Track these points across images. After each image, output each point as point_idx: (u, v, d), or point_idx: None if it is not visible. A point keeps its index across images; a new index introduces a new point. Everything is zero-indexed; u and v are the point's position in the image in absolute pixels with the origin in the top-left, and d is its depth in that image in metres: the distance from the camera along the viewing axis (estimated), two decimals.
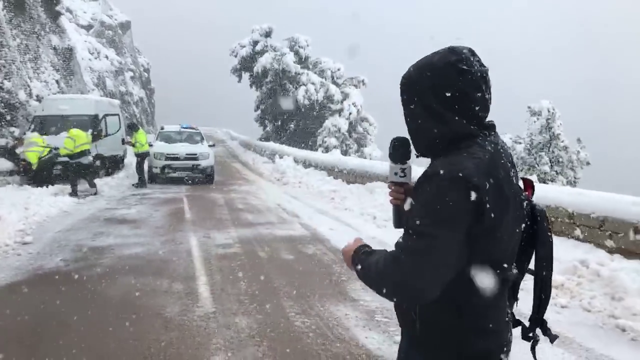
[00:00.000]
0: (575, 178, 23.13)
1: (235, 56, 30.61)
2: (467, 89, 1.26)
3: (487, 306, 1.28)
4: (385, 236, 7.54)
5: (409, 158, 1.45)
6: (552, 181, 22.51)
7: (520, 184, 1.45)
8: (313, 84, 28.14)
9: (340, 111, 28.66)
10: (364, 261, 1.35)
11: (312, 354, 3.50)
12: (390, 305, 4.49)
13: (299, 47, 29.97)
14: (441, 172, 1.22)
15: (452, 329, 1.28)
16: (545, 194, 6.26)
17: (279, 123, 30.54)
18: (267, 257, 6.24)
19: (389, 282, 1.24)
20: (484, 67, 1.30)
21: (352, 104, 29.02)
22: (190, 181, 14.58)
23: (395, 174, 1.46)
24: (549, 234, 1.40)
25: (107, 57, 31.59)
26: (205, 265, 5.77)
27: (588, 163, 23.15)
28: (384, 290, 1.26)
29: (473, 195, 1.18)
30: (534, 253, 1.40)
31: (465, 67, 1.26)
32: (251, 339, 3.72)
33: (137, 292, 4.77)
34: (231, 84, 32.67)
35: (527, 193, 1.44)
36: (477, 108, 1.28)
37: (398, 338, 3.85)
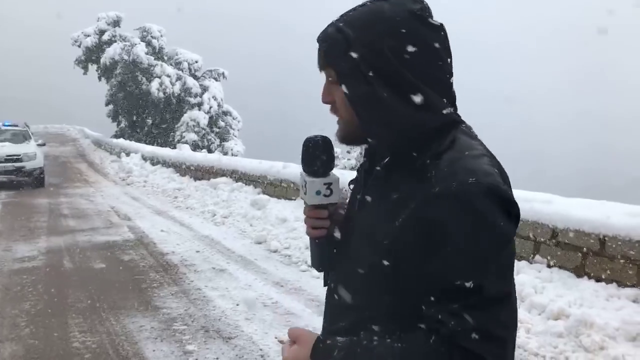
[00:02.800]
0: None
1: (79, 46, 27.86)
2: (440, 50, 0.88)
3: None
4: (220, 235, 7.27)
5: (332, 167, 1.02)
6: None
7: None
8: (168, 76, 26.68)
9: (199, 105, 27.62)
10: None
11: None
12: (193, 310, 4.19)
13: (152, 37, 28.21)
14: (471, 184, 0.80)
15: None
16: None
17: (134, 118, 28.57)
18: (73, 268, 5.58)
19: None
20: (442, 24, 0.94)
21: (212, 97, 28.13)
22: (21, 187, 12.86)
23: (318, 192, 0.98)
24: None
25: None
26: None
27: None
28: None
29: (511, 212, 0.83)
30: None
31: (432, 21, 0.89)
32: None
33: None
34: (81, 77, 29.77)
35: None
36: (451, 80, 0.91)
37: (189, 347, 3.62)
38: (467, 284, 0.79)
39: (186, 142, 25.30)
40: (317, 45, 0.95)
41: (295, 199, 8.24)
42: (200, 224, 8.11)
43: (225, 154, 25.03)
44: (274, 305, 4.41)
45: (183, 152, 13.69)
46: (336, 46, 0.90)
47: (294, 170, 8.68)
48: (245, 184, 9.79)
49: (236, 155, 24.67)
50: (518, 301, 3.92)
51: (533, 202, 4.54)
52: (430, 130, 0.87)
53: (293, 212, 7.55)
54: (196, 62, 29.12)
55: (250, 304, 4.31)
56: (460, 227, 0.80)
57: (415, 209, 0.83)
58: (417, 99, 0.86)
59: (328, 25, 0.94)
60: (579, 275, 4.07)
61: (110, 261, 5.86)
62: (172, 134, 27.85)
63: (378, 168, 0.94)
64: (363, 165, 1.04)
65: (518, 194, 4.87)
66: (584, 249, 4.05)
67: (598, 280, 3.95)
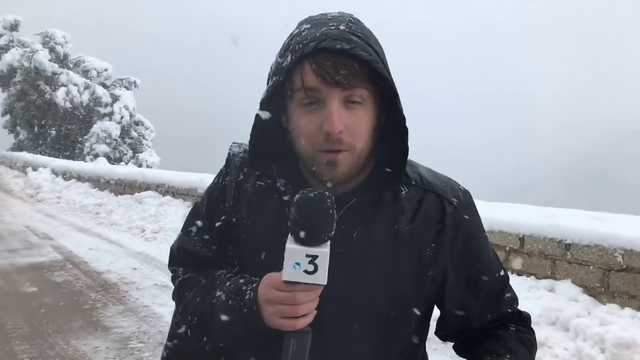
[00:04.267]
0: None
1: None
2: None
3: None
4: (154, 250, 7.14)
5: (330, 234, 0.76)
6: None
7: None
8: (75, 85, 25.21)
9: (110, 115, 26.36)
10: None
11: None
12: (146, 328, 4.19)
13: (56, 43, 26.47)
14: (464, 191, 0.96)
15: None
16: None
17: (36, 129, 26.59)
18: (1, 293, 5.24)
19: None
20: None
21: (124, 107, 26.97)
22: None
23: (297, 265, 0.74)
24: None
25: None
26: None
27: None
28: None
29: None
30: None
31: None
32: None
33: None
34: None
35: None
36: None
37: None
38: (502, 273, 0.97)
39: (97, 154, 24.04)
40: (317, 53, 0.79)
41: None
42: (129, 240, 7.90)
43: (140, 165, 24.12)
44: None
45: (102, 166, 13.09)
46: (379, 62, 0.81)
47: None
48: (174, 198, 9.63)
49: (151, 167, 23.85)
50: None
51: None
52: None
53: None
54: (105, 70, 27.80)
55: None
56: (481, 228, 0.97)
57: (447, 229, 0.90)
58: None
59: (347, 33, 0.80)
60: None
61: (42, 284, 5.57)
62: (79, 145, 26.30)
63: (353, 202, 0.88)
64: (277, 207, 0.90)
65: None
66: (507, 247, 4.60)
67: (519, 274, 4.51)
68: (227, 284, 0.90)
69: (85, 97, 25.87)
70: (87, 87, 26.13)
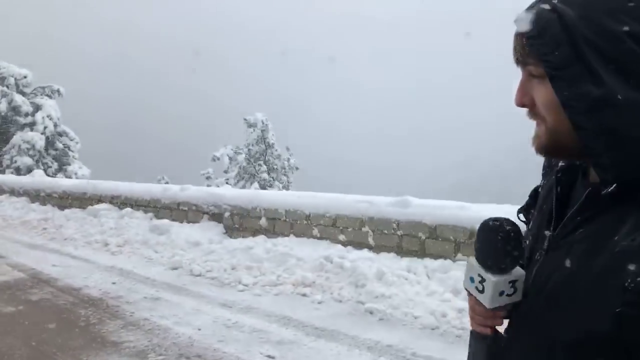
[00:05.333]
0: (288, 182, 26.08)
1: None
2: None
3: None
4: (126, 264, 6.85)
5: (501, 266, 0.81)
6: (270, 187, 24.68)
7: None
8: None
9: (32, 125, 24.60)
10: None
11: None
12: (157, 341, 4.05)
13: None
14: None
15: None
16: (284, 200, 6.76)
17: None
18: None
19: None
20: None
21: (47, 116, 25.28)
22: None
23: (502, 293, 0.81)
24: None
25: None
26: None
27: (297, 168, 26.36)
28: None
29: None
30: None
31: None
32: None
33: None
34: None
35: None
36: None
37: None
38: None
39: (19, 167, 22.37)
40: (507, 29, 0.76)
41: (199, 222, 8.10)
42: (94, 255, 7.51)
43: (70, 178, 22.70)
44: (237, 325, 4.47)
45: (42, 179, 12.22)
46: (549, 30, 0.68)
47: (192, 193, 8.53)
48: (134, 210, 9.25)
49: (81, 179, 22.52)
50: (461, 293, 4.63)
51: (450, 209, 5.37)
52: None
53: (204, 234, 7.47)
54: (25, 77, 25.90)
55: None
56: None
57: None
58: None
59: (536, 2, 0.72)
60: None
61: (18, 303, 5.17)
62: None
63: (585, 197, 0.73)
64: (550, 186, 0.85)
65: (435, 203, 5.70)
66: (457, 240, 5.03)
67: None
68: None
69: (3, 106, 24.01)
70: (4, 95, 24.26)
